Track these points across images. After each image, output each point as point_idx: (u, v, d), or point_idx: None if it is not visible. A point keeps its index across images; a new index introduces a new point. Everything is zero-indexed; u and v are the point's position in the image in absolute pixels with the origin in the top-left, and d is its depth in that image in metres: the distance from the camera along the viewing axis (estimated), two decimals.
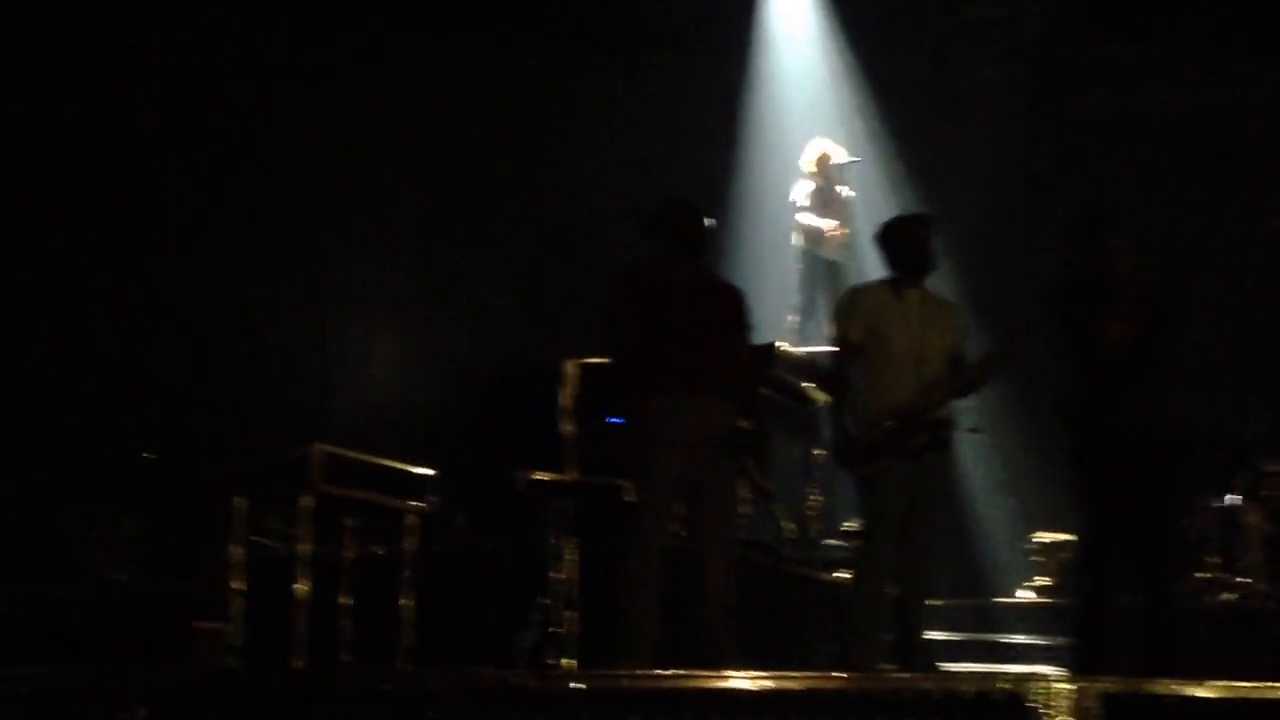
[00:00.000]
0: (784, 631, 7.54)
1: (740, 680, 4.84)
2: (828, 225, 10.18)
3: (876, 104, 11.11)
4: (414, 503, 6.73)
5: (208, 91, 9.86)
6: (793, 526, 6.27)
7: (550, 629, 6.68)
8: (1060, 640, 7.95)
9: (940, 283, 6.65)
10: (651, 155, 10.67)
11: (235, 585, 6.40)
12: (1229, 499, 8.69)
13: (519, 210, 10.83)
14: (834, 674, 5.00)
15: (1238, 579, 8.66)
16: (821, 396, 8.44)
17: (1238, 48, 10.34)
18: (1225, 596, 8.57)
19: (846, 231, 10.18)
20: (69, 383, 9.19)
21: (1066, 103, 10.98)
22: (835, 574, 8.15)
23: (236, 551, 6.43)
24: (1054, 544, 9.43)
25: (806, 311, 10.27)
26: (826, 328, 9.65)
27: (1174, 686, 4.59)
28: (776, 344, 8.15)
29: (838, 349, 6.43)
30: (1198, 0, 10.36)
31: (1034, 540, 9.59)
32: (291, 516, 6.51)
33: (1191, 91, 10.63)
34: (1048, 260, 8.86)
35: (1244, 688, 4.64)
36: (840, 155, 10.29)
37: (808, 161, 10.34)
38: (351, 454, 6.50)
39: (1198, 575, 8.56)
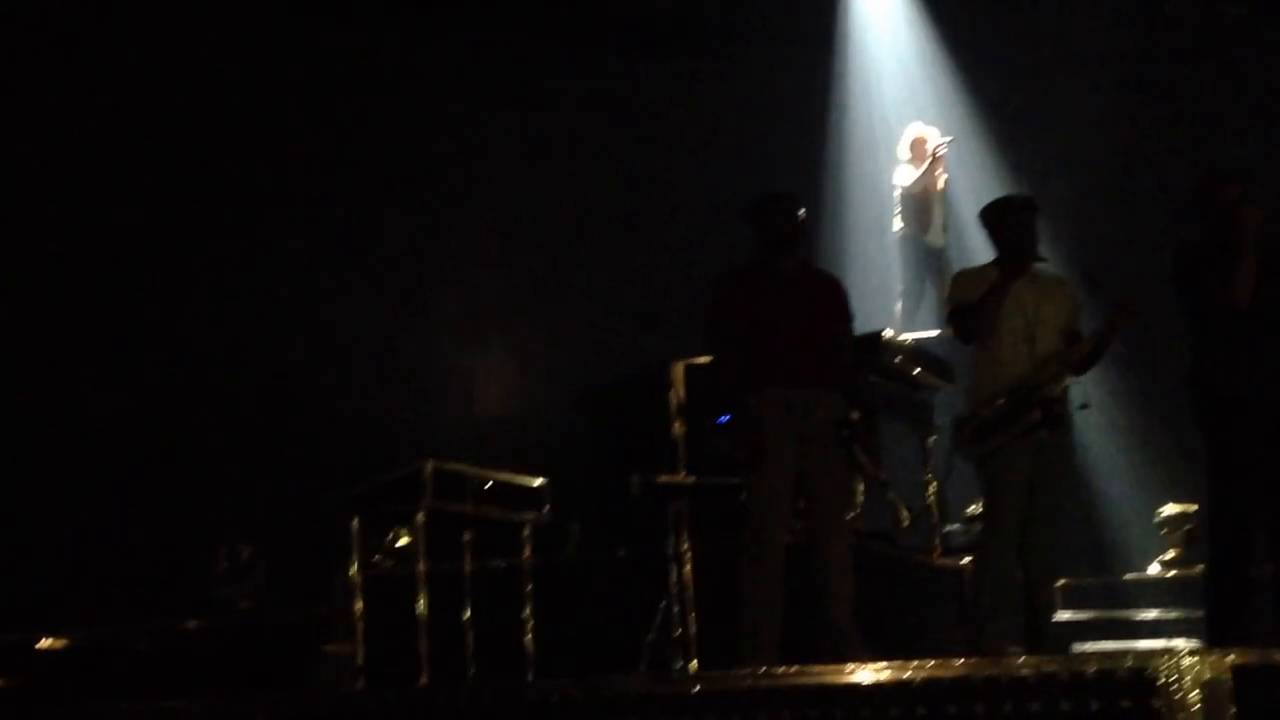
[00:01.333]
0: (908, 621, 7.47)
1: (862, 674, 4.81)
2: (926, 212, 10.09)
3: (970, 84, 10.97)
4: (528, 514, 6.75)
5: (313, 98, 10.00)
6: (909, 514, 6.20)
7: (673, 632, 6.68)
8: (1194, 613, 7.81)
9: (1052, 260, 6.54)
10: (749, 153, 10.65)
11: (357, 606, 6.46)
12: None
13: (623, 215, 10.85)
14: (955, 661, 4.95)
15: None
16: (934, 382, 8.37)
17: None
18: None
19: (940, 218, 10.08)
20: (184, 412, 9.35)
21: (1170, 68, 10.73)
22: (958, 560, 8.07)
23: (355, 572, 6.49)
24: (1182, 515, 9.26)
25: (912, 298, 10.18)
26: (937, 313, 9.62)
27: None
28: (883, 332, 8.06)
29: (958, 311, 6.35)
30: None
31: (1162, 513, 9.42)
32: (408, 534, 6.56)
33: None
34: (1158, 230, 8.74)
35: None
36: (935, 137, 10.20)
37: (904, 146, 10.27)
38: (463, 468, 6.54)
39: None
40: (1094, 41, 10.69)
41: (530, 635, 6.68)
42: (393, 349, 10.18)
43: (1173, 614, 8.78)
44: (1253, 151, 9.74)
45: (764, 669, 5.50)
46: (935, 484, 8.22)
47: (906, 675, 4.68)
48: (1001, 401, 6.16)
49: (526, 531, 6.79)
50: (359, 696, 6.08)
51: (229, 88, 9.75)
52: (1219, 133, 10.14)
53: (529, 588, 6.76)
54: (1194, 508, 9.09)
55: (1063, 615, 7.98)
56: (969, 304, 6.26)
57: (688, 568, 6.76)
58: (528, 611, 6.72)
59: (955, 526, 8.75)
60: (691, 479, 7.02)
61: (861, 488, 7.09)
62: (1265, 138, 10.01)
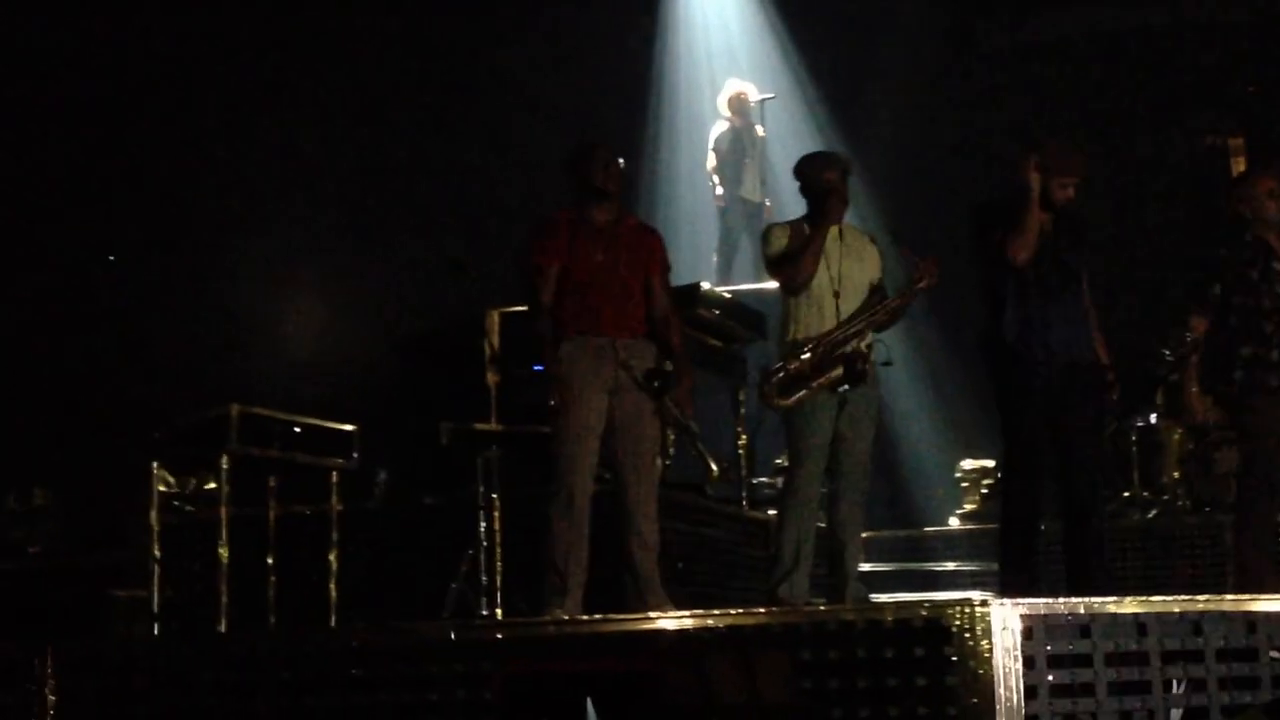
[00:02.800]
0: (713, 571, 7.55)
1: (665, 621, 4.86)
2: (741, 166, 10.17)
3: (793, 41, 11.07)
4: (336, 460, 6.66)
5: (123, 27, 9.67)
6: (719, 466, 6.25)
7: (478, 580, 6.66)
8: (990, 566, 8.04)
9: (865, 217, 6.64)
10: (570, 103, 10.61)
11: (154, 551, 6.32)
12: (1150, 418, 8.81)
13: (439, 161, 10.72)
14: (756, 610, 5.02)
15: (1161, 497, 8.79)
16: (746, 334, 8.45)
17: None
18: (1148, 515, 8.70)
19: (756, 171, 10.16)
20: None
21: (989, 30, 10.96)
22: (765, 511, 8.18)
23: (154, 517, 6.34)
24: (980, 470, 9.53)
25: (727, 252, 10.27)
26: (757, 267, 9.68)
27: (1091, 605, 4.65)
28: (699, 284, 8.11)
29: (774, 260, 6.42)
30: None
31: (961, 468, 9.68)
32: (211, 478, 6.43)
33: (1123, 11, 10.63)
34: (965, 187, 8.93)
35: (1159, 602, 4.70)
36: (755, 93, 10.27)
37: (723, 102, 10.33)
38: (269, 412, 6.42)
39: (1122, 495, 8.67)
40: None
41: (334, 582, 6.59)
42: (201, 291, 9.94)
43: (970, 566, 9.04)
44: (1066, 114, 10.00)
45: (568, 617, 5.52)
46: (744, 436, 8.32)
47: (709, 623, 4.74)
48: (807, 355, 6.23)
49: (334, 478, 6.69)
50: (148, 642, 5.96)
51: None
52: (1033, 96, 10.39)
53: (335, 535, 6.67)
54: (992, 463, 9.37)
55: (863, 567, 8.14)
56: (788, 252, 6.32)
57: (496, 516, 6.74)
58: (332, 558, 6.63)
59: (763, 479, 8.88)
60: (502, 427, 7.00)
61: (672, 438, 7.13)
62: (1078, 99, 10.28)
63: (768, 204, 10.20)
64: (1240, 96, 9.66)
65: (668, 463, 7.16)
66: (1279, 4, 10.28)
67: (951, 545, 9.17)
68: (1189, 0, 10.55)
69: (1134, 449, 8.77)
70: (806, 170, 6.49)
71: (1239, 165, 8.68)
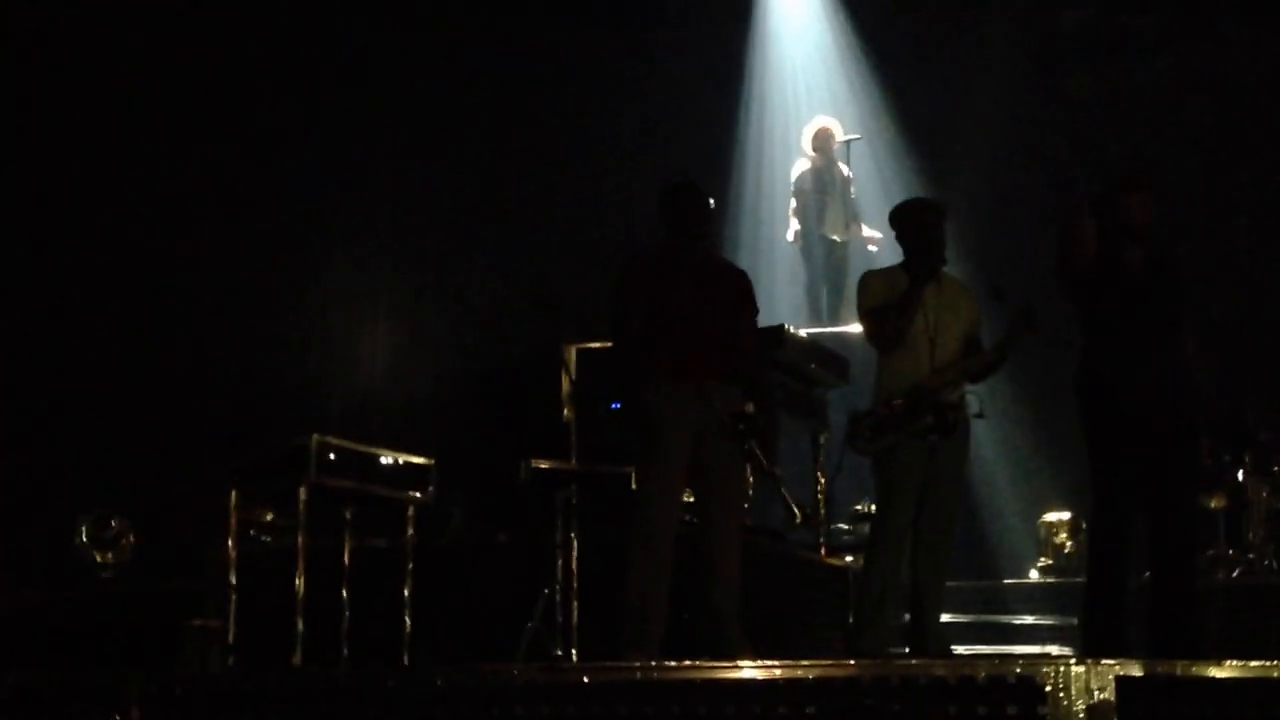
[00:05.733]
0: (794, 618, 7.43)
1: (750, 670, 4.75)
2: (825, 205, 10.07)
3: (878, 81, 10.98)
4: (413, 493, 6.59)
5: (200, 80, 9.71)
6: (801, 511, 6.14)
7: (554, 621, 6.57)
8: (1069, 620, 7.87)
9: (953, 265, 6.54)
10: (654, 140, 10.57)
11: (231, 581, 6.26)
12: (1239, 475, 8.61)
13: (519, 195, 10.68)
14: (846, 661, 4.90)
15: (1247, 555, 8.58)
16: (829, 378, 8.34)
17: (1238, 15, 10.16)
18: (1235, 574, 8.49)
19: (841, 211, 10.05)
20: (60, 377, 9.03)
21: (1072, 74, 10.84)
22: (842, 558, 8.05)
23: (231, 547, 6.29)
24: (1061, 523, 9.37)
25: (812, 293, 10.16)
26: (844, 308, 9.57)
27: (1188, 668, 4.52)
28: (784, 326, 8.01)
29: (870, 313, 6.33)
30: None
31: (1043, 520, 9.51)
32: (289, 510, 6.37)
33: (1194, 60, 10.48)
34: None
35: (1257, 667, 4.55)
36: (840, 132, 10.17)
37: (808, 139, 10.24)
38: (348, 444, 6.36)
39: (1208, 553, 8.47)
40: (999, 45, 10.77)
41: (408, 618, 6.51)
42: (280, 319, 9.92)
43: (1048, 620, 8.86)
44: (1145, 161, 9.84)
45: (653, 662, 5.42)
46: (824, 481, 8.20)
47: (798, 674, 4.63)
48: (900, 402, 6.16)
49: (410, 512, 6.62)
50: (225, 675, 5.90)
51: (98, 46, 9.41)
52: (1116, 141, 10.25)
53: (409, 568, 6.60)
54: (1068, 515, 9.23)
55: (942, 618, 8.00)
56: (882, 307, 6.23)
57: (573, 556, 6.66)
58: (407, 593, 6.55)
59: (842, 525, 8.75)
60: (581, 466, 6.93)
61: (753, 481, 7.03)
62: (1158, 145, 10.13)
63: (872, 244, 10.04)
64: None
65: (747, 506, 7.06)
66: None
67: (1030, 598, 9.00)
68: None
69: (1222, 506, 8.57)
70: (902, 218, 6.41)
71: None
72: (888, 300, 6.25)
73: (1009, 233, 9.89)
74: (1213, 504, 8.42)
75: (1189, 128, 10.31)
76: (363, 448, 6.43)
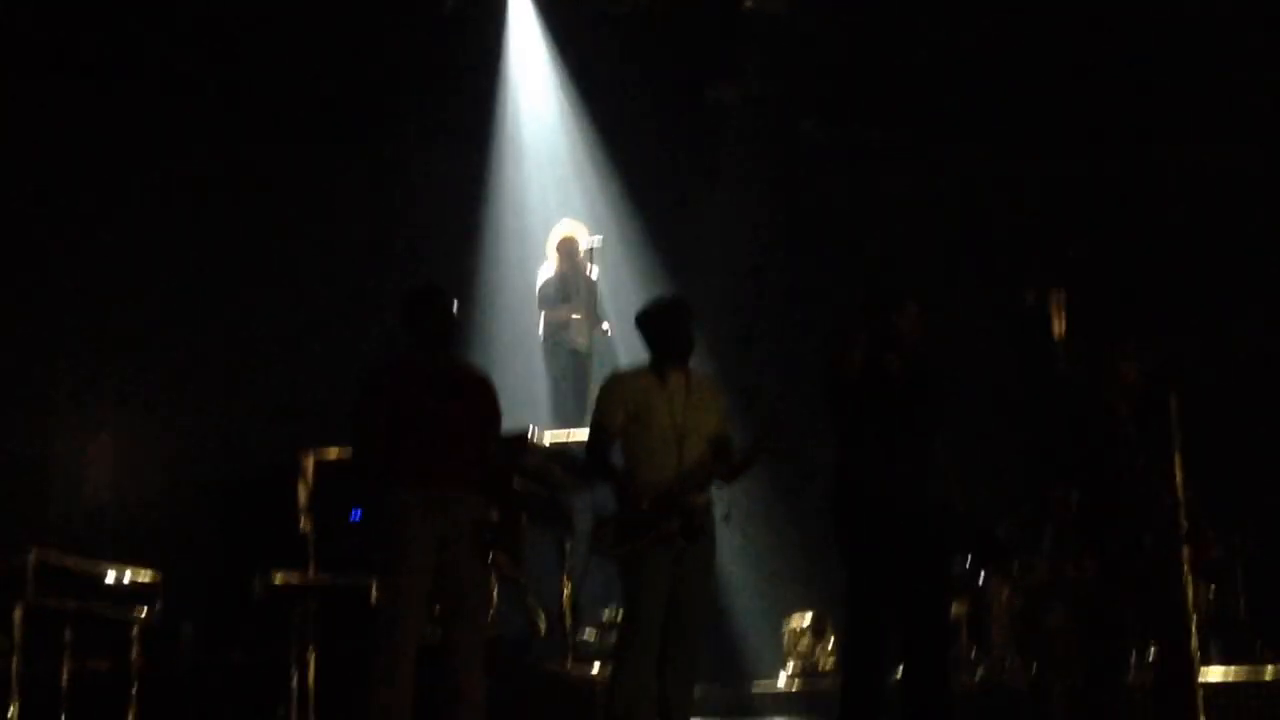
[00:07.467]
0: None
1: None
2: (569, 313, 10.05)
3: (623, 187, 11.08)
4: (138, 611, 6.25)
5: None
6: (545, 619, 6.02)
7: None
8: None
9: (700, 365, 6.52)
10: (396, 245, 10.43)
11: None
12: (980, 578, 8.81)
13: (258, 302, 10.37)
14: None
15: (988, 655, 8.76)
16: (574, 484, 8.24)
17: (982, 129, 10.51)
18: (977, 676, 8.65)
19: (585, 318, 10.03)
20: None
21: (816, 183, 11.10)
22: (588, 668, 7.92)
23: None
24: (807, 627, 9.43)
25: (555, 399, 10.09)
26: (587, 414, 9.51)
27: None
28: (528, 431, 7.91)
29: (598, 434, 6.25)
30: (936, 83, 10.53)
31: (789, 626, 9.55)
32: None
33: (936, 172, 10.83)
34: (807, 344, 8.89)
35: None
36: (585, 237, 10.17)
37: (552, 245, 10.20)
38: (69, 560, 6.02)
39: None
40: (741, 154, 10.98)
41: None
42: (2, 427, 9.41)
43: None
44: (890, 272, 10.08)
45: None
46: (570, 588, 8.07)
47: None
48: (645, 505, 6.06)
49: (135, 631, 6.27)
50: None
51: None
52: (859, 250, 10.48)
53: (133, 692, 6.25)
54: (810, 617, 9.29)
55: None
56: (604, 433, 6.19)
57: (309, 674, 6.41)
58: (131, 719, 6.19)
59: (588, 633, 8.63)
60: (319, 579, 6.69)
61: (496, 590, 6.88)
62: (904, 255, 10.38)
63: (597, 346, 10.04)
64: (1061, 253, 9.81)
65: (491, 614, 6.89)
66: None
67: (779, 703, 9.01)
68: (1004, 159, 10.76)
69: (964, 610, 8.75)
70: (649, 317, 6.38)
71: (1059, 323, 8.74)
72: (630, 414, 6.16)
73: (760, 341, 9.97)
74: (954, 609, 8.57)
75: (936, 237, 10.59)
76: (85, 564, 6.09)
